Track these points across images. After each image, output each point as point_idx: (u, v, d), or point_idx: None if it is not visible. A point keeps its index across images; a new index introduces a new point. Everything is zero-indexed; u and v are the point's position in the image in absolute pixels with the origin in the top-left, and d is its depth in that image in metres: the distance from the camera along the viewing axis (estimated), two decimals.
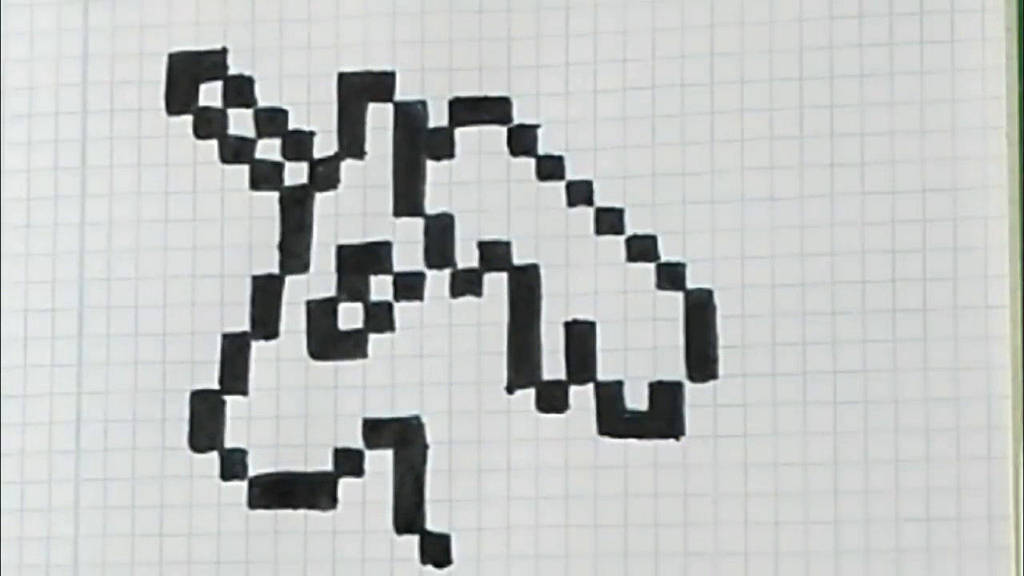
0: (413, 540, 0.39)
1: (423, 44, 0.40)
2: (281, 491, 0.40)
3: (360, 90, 0.40)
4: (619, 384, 0.40)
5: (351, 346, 0.40)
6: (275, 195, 0.41)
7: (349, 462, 0.40)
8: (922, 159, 0.39)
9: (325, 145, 0.41)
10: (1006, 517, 0.37)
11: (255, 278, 0.41)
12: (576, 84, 0.40)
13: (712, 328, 0.39)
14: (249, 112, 0.41)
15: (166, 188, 0.41)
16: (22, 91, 0.41)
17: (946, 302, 0.38)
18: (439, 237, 0.40)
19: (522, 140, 0.40)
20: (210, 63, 0.41)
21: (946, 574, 0.37)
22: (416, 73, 0.40)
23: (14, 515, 0.40)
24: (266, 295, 0.41)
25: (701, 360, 0.39)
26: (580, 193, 0.40)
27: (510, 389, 0.40)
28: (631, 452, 0.39)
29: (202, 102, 0.41)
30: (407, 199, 0.41)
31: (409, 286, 0.40)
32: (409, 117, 0.40)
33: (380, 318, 0.40)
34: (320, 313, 0.40)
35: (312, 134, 0.41)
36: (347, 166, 0.41)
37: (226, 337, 0.40)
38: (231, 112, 0.41)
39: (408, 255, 0.40)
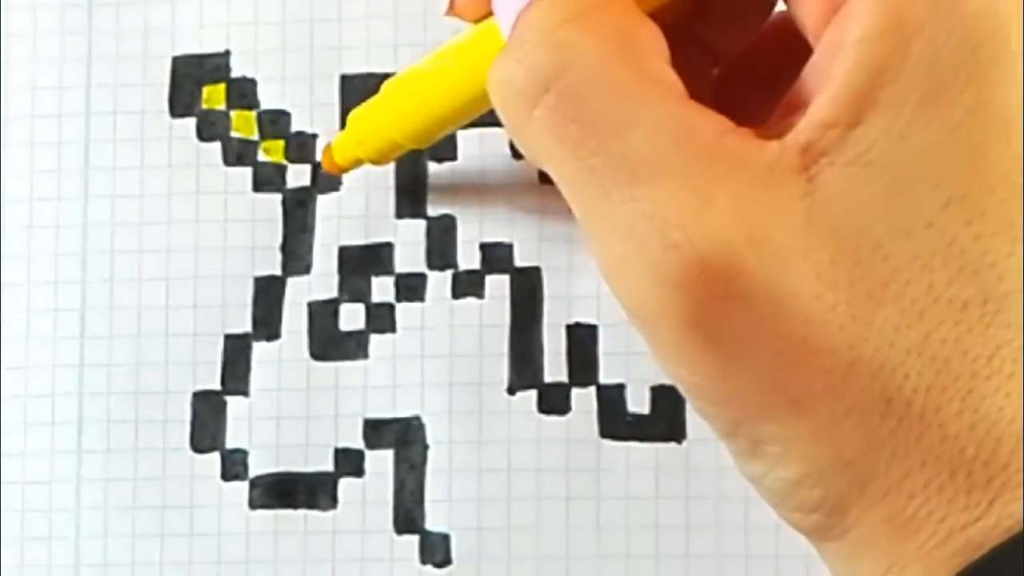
0: (413, 540, 0.39)
1: (425, 46, 0.40)
2: (281, 491, 0.40)
3: (362, 92, 0.40)
4: (621, 387, 0.40)
5: (352, 347, 0.40)
6: (278, 197, 0.41)
7: (349, 462, 0.40)
8: None
9: None
10: None
11: (257, 279, 0.41)
12: None
13: None
14: (252, 114, 0.41)
15: (169, 190, 0.41)
16: (24, 91, 0.41)
17: None
18: (441, 239, 0.40)
19: None
20: (213, 66, 0.41)
21: None
22: None
23: (15, 515, 0.40)
24: (268, 296, 0.41)
25: None
26: None
27: (511, 391, 0.40)
28: (632, 455, 0.39)
29: (205, 105, 0.41)
30: (409, 201, 0.41)
31: (411, 287, 0.40)
32: None
33: (382, 319, 0.40)
34: (322, 314, 0.40)
35: (315, 136, 0.41)
36: None
37: (228, 338, 0.40)
38: (233, 114, 0.41)
39: (410, 256, 0.40)
